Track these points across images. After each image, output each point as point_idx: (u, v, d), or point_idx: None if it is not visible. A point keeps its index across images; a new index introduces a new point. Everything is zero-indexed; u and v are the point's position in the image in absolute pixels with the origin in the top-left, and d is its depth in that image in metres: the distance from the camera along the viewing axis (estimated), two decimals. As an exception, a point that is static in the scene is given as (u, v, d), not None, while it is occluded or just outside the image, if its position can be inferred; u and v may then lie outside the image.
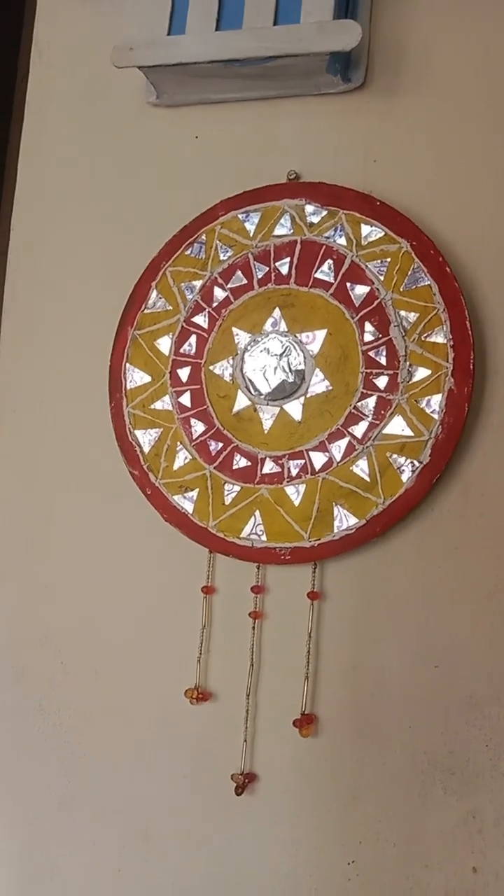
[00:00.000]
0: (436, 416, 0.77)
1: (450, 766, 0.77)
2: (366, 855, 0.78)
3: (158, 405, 0.88)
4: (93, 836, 0.88)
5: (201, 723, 0.84)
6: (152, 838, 0.85)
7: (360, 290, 0.80)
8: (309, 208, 0.83)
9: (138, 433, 0.88)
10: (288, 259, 0.84)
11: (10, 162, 1.04)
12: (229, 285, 0.86)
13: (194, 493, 0.85)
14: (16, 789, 0.91)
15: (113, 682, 0.88)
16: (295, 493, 0.82)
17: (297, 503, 0.81)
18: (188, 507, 0.85)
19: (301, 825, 0.80)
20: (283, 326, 0.83)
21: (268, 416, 0.84)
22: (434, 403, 0.77)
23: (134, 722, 0.87)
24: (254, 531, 0.83)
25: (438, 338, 0.77)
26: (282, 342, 0.83)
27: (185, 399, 0.87)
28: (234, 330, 0.85)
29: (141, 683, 0.87)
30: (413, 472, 0.77)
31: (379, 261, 0.80)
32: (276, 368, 0.83)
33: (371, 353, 0.80)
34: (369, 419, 0.79)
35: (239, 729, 0.82)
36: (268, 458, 0.83)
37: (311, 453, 0.81)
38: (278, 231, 0.84)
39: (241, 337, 0.85)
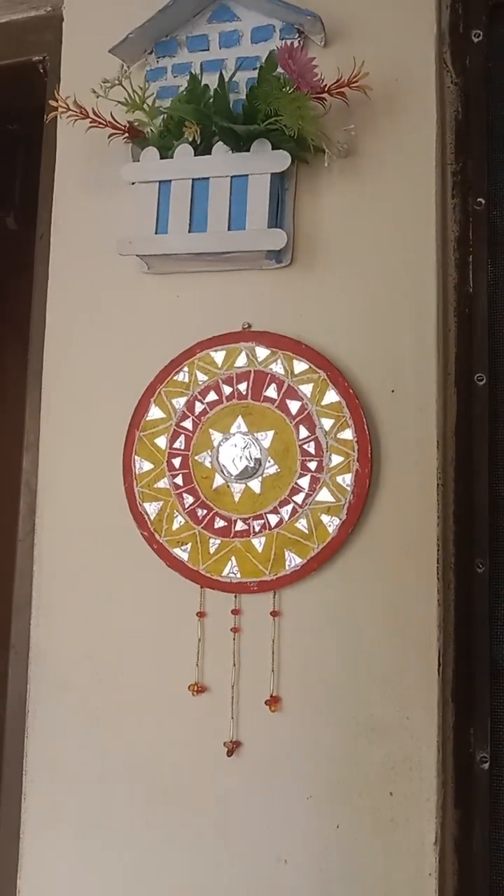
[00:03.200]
0: (348, 488, 1.14)
1: (371, 725, 1.12)
2: (320, 790, 1.13)
3: (159, 484, 1.24)
4: (125, 798, 1.21)
5: (201, 708, 1.18)
6: (169, 793, 1.20)
7: (295, 405, 1.18)
8: (258, 349, 1.20)
9: (146, 505, 1.24)
10: (246, 383, 1.21)
11: (37, 311, 1.40)
12: (206, 400, 1.23)
13: (188, 546, 1.21)
14: (67, 768, 1.25)
15: (135, 685, 1.22)
16: (258, 543, 1.18)
17: (260, 550, 1.18)
18: (184, 556, 1.21)
19: (274, 774, 1.14)
20: (244, 428, 1.20)
21: (237, 491, 1.20)
22: (347, 479, 1.14)
23: (152, 711, 1.20)
24: (231, 571, 1.18)
25: (347, 436, 1.15)
26: (244, 439, 1.20)
27: (179, 480, 1.23)
28: (211, 431, 1.22)
29: (156, 683, 1.21)
30: (336, 526, 1.14)
31: (306, 385, 1.17)
32: (241, 457, 1.20)
33: (304, 447, 1.17)
34: (305, 491, 1.16)
35: (227, 709, 1.16)
36: (238, 520, 1.19)
37: (268, 515, 1.18)
38: (238, 363, 1.22)
39: (216, 436, 1.22)
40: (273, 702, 1.15)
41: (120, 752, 1.22)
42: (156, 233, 1.21)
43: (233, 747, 1.16)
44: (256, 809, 1.15)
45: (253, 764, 1.16)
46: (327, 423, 1.16)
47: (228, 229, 1.18)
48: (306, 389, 1.17)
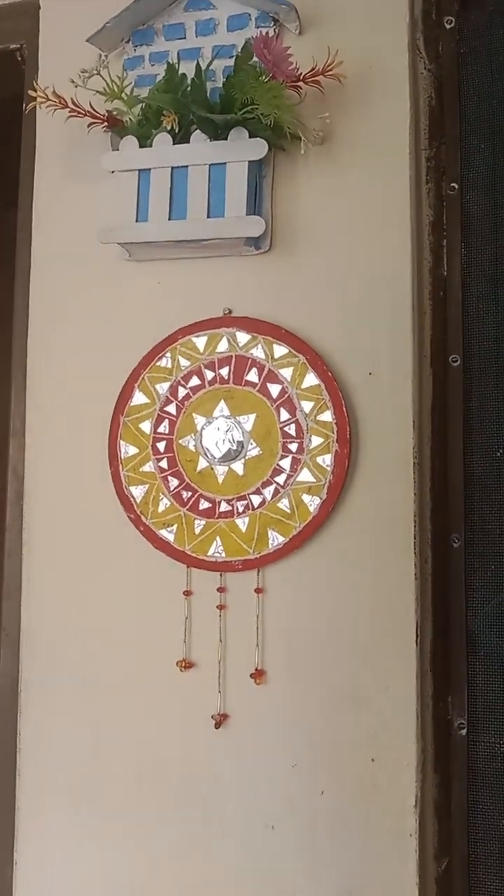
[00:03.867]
0: (328, 468, 1.17)
1: (353, 695, 1.16)
2: (305, 758, 1.17)
3: (145, 468, 1.27)
4: (117, 771, 1.25)
5: (189, 682, 1.22)
6: (160, 766, 1.24)
7: (276, 388, 1.21)
8: (239, 334, 1.23)
9: (132, 488, 1.27)
10: (227, 367, 1.24)
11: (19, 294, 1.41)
12: (188, 385, 1.26)
13: (174, 528, 1.24)
14: (64, 742, 1.28)
15: (124, 662, 1.25)
16: (242, 523, 1.21)
17: (244, 530, 1.21)
18: (170, 537, 1.24)
19: (261, 744, 1.18)
20: (226, 412, 1.23)
21: (221, 473, 1.23)
22: (327, 460, 1.18)
23: (141, 688, 1.24)
24: (216, 551, 1.22)
25: (326, 417, 1.18)
26: (227, 423, 1.23)
27: (163, 463, 1.26)
28: (194, 415, 1.25)
29: (144, 660, 1.24)
30: (317, 505, 1.18)
31: (286, 368, 1.20)
32: (224, 440, 1.23)
33: (285, 429, 1.20)
34: (287, 472, 1.20)
35: (214, 683, 1.20)
36: (222, 501, 1.23)
37: (251, 496, 1.21)
38: (219, 349, 1.24)
39: (199, 420, 1.25)
40: (258, 675, 1.19)
41: (111, 727, 1.26)
42: (136, 221, 1.23)
43: (220, 720, 1.20)
44: (244, 778, 1.20)
45: (240, 735, 1.20)
46: (307, 406, 1.19)
47: (208, 217, 1.20)
48: (286, 373, 1.20)
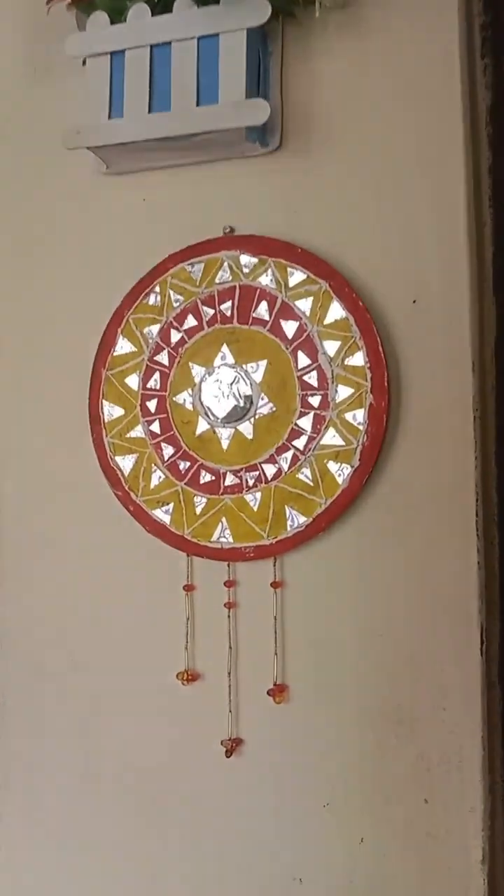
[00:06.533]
0: (361, 427, 0.91)
1: (399, 717, 0.92)
2: (339, 797, 0.94)
3: (133, 434, 1.02)
4: (109, 803, 1.03)
5: (193, 699, 0.99)
6: (159, 801, 1.01)
7: (291, 326, 0.95)
8: (243, 258, 0.97)
9: (118, 459, 1.03)
10: (230, 302, 0.98)
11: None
12: (183, 327, 1.00)
13: (170, 507, 1.00)
14: (42, 768, 1.06)
15: (115, 672, 1.03)
16: (253, 500, 0.96)
17: (255, 508, 0.96)
18: (166, 519, 1.00)
19: (282, 777, 0.95)
20: (230, 359, 0.98)
21: (225, 437, 0.98)
22: (359, 416, 0.91)
23: (136, 704, 1.02)
24: (222, 535, 0.97)
25: (357, 361, 0.92)
26: (231, 373, 0.97)
27: (155, 427, 1.01)
28: (191, 365, 1.00)
29: (140, 670, 1.02)
30: (347, 475, 0.92)
31: (304, 299, 0.94)
32: (228, 395, 0.97)
33: (305, 378, 0.94)
34: (308, 433, 0.94)
35: (224, 701, 0.97)
36: (228, 472, 0.98)
37: (263, 466, 0.96)
38: (220, 278, 0.98)
39: (197, 370, 0.99)
40: (278, 691, 0.95)
41: (101, 752, 1.05)
42: (109, 118, 0.98)
43: (232, 746, 0.97)
44: (263, 820, 0.97)
45: (257, 766, 0.97)
46: (332, 347, 0.93)
47: (197, 105, 0.94)
48: (305, 305, 0.94)
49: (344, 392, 0.92)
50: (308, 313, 0.94)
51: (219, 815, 0.98)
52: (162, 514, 1.00)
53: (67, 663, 1.06)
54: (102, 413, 1.03)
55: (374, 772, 0.92)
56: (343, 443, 0.92)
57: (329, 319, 0.93)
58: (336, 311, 0.93)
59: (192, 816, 0.99)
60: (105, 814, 1.03)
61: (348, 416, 0.92)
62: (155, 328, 1.01)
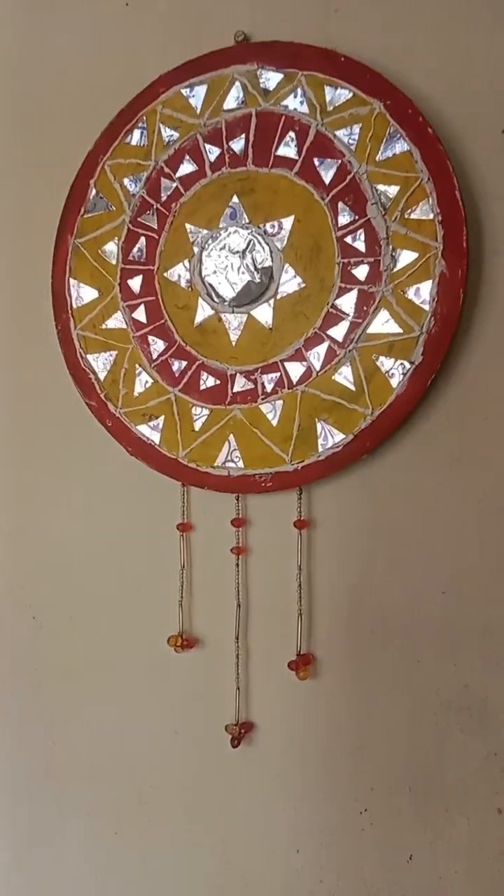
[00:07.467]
0: (427, 308, 0.65)
1: (466, 703, 0.69)
2: (378, 802, 0.71)
3: (111, 323, 0.77)
4: (84, 803, 0.81)
5: (188, 672, 0.77)
6: (146, 800, 0.79)
7: (330, 166, 0.68)
8: (263, 74, 0.70)
9: (91, 358, 0.77)
10: (243, 136, 0.71)
11: None
12: (178, 174, 0.74)
13: (160, 421, 0.75)
14: (9, 757, 0.84)
15: (90, 635, 0.81)
16: (272, 411, 0.71)
17: (274, 423, 0.71)
18: (154, 437, 0.75)
19: (306, 775, 0.73)
20: (243, 217, 0.71)
21: (234, 326, 0.72)
22: (424, 292, 0.65)
23: (116, 676, 0.80)
24: (229, 458, 0.73)
25: (424, 214, 0.65)
26: (243, 236, 0.71)
27: (140, 314, 0.76)
28: (188, 227, 0.73)
29: (120, 634, 0.79)
30: (404, 375, 0.66)
31: (348, 128, 0.67)
32: (239, 268, 0.71)
33: (347, 240, 0.68)
34: (350, 318, 0.68)
35: (230, 676, 0.74)
36: (238, 374, 0.72)
37: (286, 364, 0.71)
38: (229, 104, 0.72)
39: (197, 234, 0.73)
40: (301, 663, 0.72)
41: (74, 738, 0.82)
42: None
43: (241, 733, 0.74)
44: (279, 830, 0.74)
45: (272, 759, 0.75)
46: (389, 194, 0.66)
47: None
48: (349, 137, 0.67)
49: (404, 258, 0.66)
50: (355, 147, 0.67)
51: (222, 823, 0.76)
52: (149, 431, 0.75)
53: (26, 625, 0.83)
54: (70, 296, 0.78)
55: (428, 770, 0.70)
56: (400, 330, 0.66)
57: (384, 155, 0.66)
58: (395, 144, 0.66)
59: (189, 819, 0.77)
60: (80, 814, 0.82)
61: (409, 292, 0.66)
62: (140, 176, 0.75)
